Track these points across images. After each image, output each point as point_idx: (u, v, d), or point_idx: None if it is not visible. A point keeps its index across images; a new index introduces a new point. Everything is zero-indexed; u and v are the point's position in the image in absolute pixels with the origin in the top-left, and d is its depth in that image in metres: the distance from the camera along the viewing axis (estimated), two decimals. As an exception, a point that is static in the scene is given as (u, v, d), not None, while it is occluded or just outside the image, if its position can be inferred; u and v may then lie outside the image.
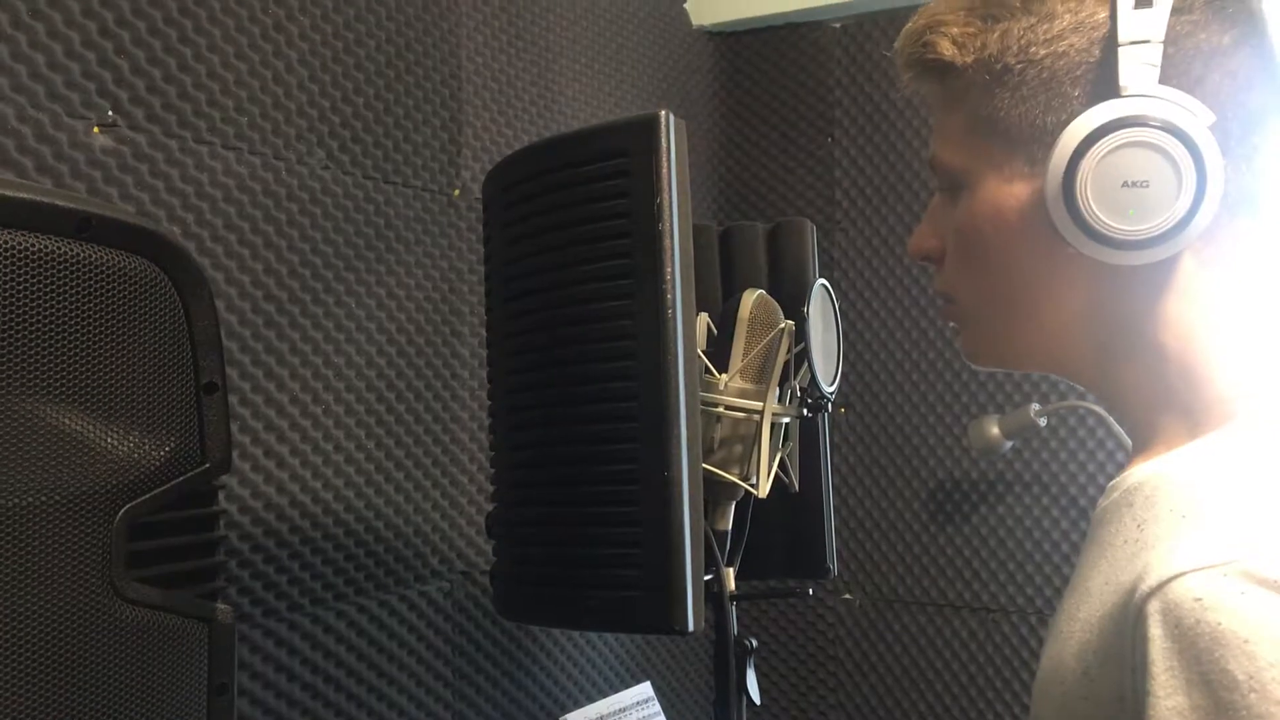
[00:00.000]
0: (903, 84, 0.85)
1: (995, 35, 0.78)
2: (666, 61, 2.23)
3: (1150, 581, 0.64)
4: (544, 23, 1.89)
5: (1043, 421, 2.00)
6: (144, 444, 0.79)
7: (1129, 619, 0.65)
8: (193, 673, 0.83)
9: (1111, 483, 0.78)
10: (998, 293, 0.81)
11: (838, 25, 2.28)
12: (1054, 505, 2.12)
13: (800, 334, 1.17)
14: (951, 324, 0.90)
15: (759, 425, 1.14)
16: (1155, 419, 0.77)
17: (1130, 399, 0.80)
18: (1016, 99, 0.77)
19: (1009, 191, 0.78)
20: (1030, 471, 2.13)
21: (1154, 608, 0.63)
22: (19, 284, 0.72)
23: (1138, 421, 0.80)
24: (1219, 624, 0.60)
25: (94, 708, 0.75)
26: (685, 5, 2.32)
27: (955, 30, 0.79)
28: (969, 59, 0.79)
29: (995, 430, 2.02)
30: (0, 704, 0.70)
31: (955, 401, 2.19)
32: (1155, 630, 0.62)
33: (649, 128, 0.94)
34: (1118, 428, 1.95)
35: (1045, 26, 0.76)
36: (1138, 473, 0.76)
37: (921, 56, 0.81)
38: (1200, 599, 0.61)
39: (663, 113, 0.94)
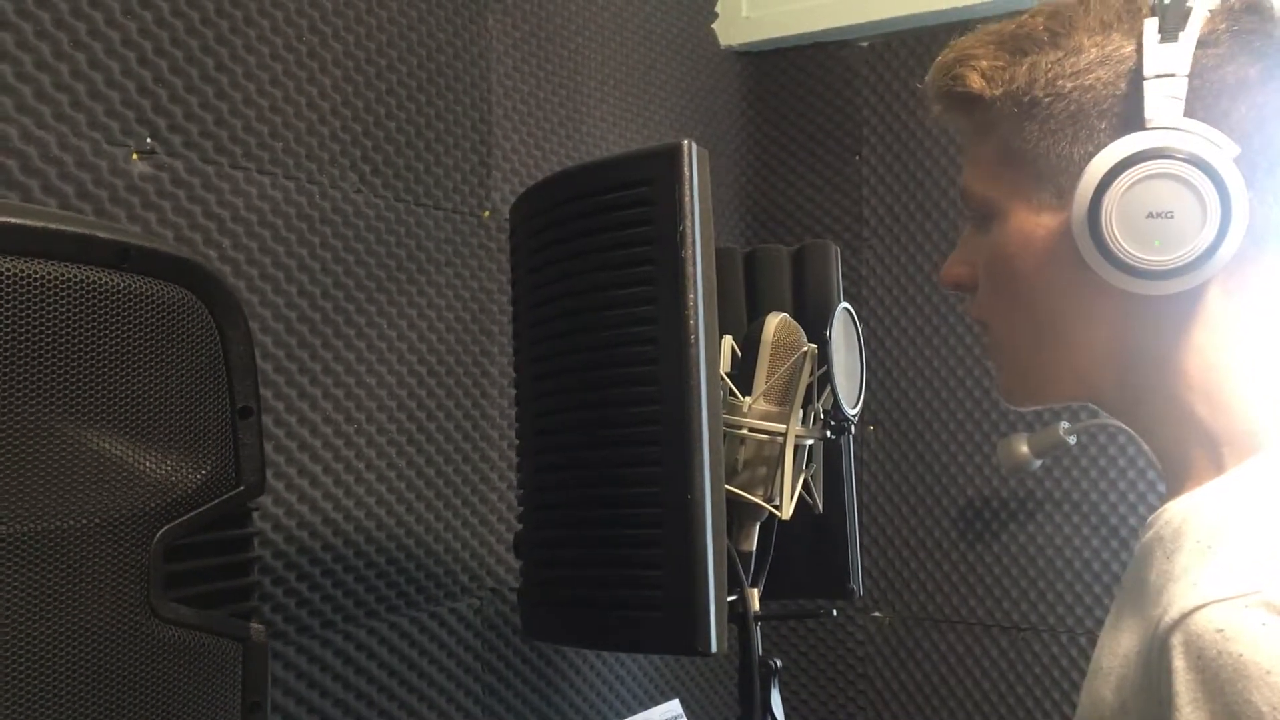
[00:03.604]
0: (933, 115, 0.86)
1: (1023, 68, 0.79)
2: (694, 82, 2.25)
3: (1173, 614, 0.65)
4: (573, 45, 1.91)
5: (1072, 439, 1.99)
6: (181, 467, 0.81)
7: (1155, 651, 0.65)
8: (227, 691, 0.85)
9: (1150, 518, 0.79)
10: (1027, 321, 0.82)
11: (865, 45, 2.29)
12: (1084, 523, 2.11)
13: (823, 357, 1.18)
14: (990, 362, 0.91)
15: (782, 447, 1.15)
16: (1184, 451, 0.78)
17: (1158, 430, 0.80)
18: (1044, 131, 0.78)
19: (1038, 222, 0.79)
20: (1060, 490, 2.12)
21: (1177, 640, 0.64)
22: (62, 314, 0.74)
23: (1168, 453, 0.80)
24: (1240, 655, 0.61)
25: (130, 724, 0.77)
26: (713, 26, 2.33)
27: (984, 64, 0.81)
28: (997, 91, 0.80)
29: (1025, 448, 2.02)
30: (41, 720, 0.72)
31: (985, 419, 2.19)
32: (1179, 662, 0.63)
33: (672, 157, 0.96)
34: (1148, 447, 1.94)
35: (1072, 60, 0.77)
36: (1171, 508, 0.77)
37: (951, 89, 0.83)
38: (1222, 630, 0.62)
39: (685, 142, 0.96)
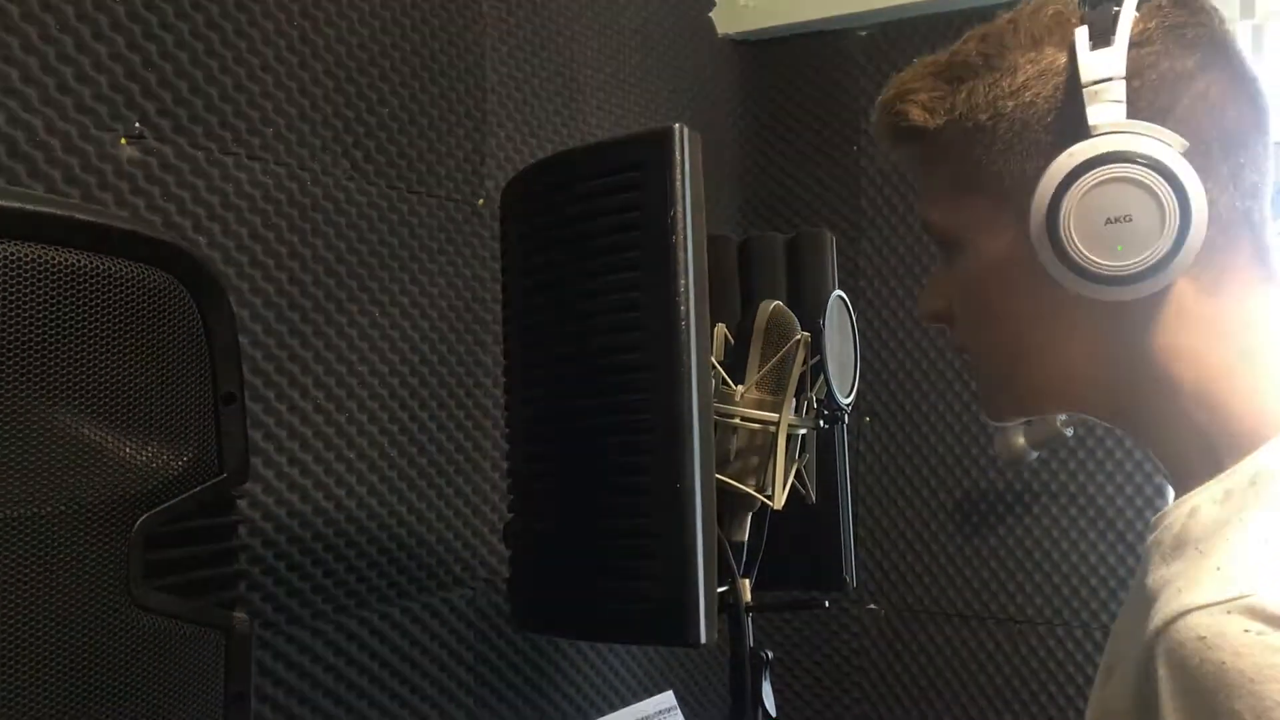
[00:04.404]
0: (884, 152, 0.87)
1: (962, 96, 0.79)
2: (692, 71, 2.23)
3: (1158, 620, 0.64)
4: (569, 32, 1.90)
5: (1069, 432, 1.99)
6: (162, 454, 0.80)
7: (1145, 658, 0.65)
8: (210, 681, 0.84)
9: (1153, 519, 0.78)
10: (1006, 343, 0.82)
11: (863, 34, 2.27)
12: (1081, 516, 2.10)
13: (816, 346, 1.17)
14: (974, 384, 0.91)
15: (775, 436, 1.14)
16: (1183, 452, 0.77)
17: (1155, 434, 0.80)
18: (994, 154, 0.78)
19: (1001, 243, 0.79)
20: (1057, 482, 2.12)
21: (1161, 647, 0.63)
22: (42, 296, 0.73)
23: (1168, 455, 0.80)
24: (1222, 664, 0.60)
25: (110, 714, 0.76)
26: (710, 14, 2.32)
27: (924, 96, 0.81)
28: (940, 121, 0.81)
29: (1021, 440, 2.01)
30: (19, 709, 0.71)
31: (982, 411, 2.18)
32: (1163, 670, 0.62)
33: (663, 141, 0.95)
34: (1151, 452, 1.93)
35: (1009, 80, 0.77)
36: (1173, 510, 0.76)
37: (895, 125, 0.83)
38: (1204, 637, 0.61)
39: (676, 126, 0.95)
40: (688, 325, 0.94)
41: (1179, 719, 0.61)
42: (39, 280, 0.73)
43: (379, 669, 1.52)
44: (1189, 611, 0.62)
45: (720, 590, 1.12)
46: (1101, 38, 0.73)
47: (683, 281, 0.94)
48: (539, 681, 1.77)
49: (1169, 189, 0.70)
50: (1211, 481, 0.73)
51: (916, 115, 0.81)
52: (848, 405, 1.23)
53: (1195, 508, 0.73)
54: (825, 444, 1.36)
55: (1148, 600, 0.71)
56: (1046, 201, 0.73)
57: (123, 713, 0.77)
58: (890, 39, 2.24)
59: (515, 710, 1.73)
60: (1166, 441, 0.79)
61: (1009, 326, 0.81)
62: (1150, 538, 0.77)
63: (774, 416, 1.15)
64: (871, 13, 2.22)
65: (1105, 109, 0.72)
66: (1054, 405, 0.84)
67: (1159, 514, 0.77)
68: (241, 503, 1.34)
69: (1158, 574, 0.72)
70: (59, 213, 0.75)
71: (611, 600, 1.00)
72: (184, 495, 0.81)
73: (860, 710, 2.31)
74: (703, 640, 0.94)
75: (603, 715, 1.75)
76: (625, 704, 1.80)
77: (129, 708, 0.77)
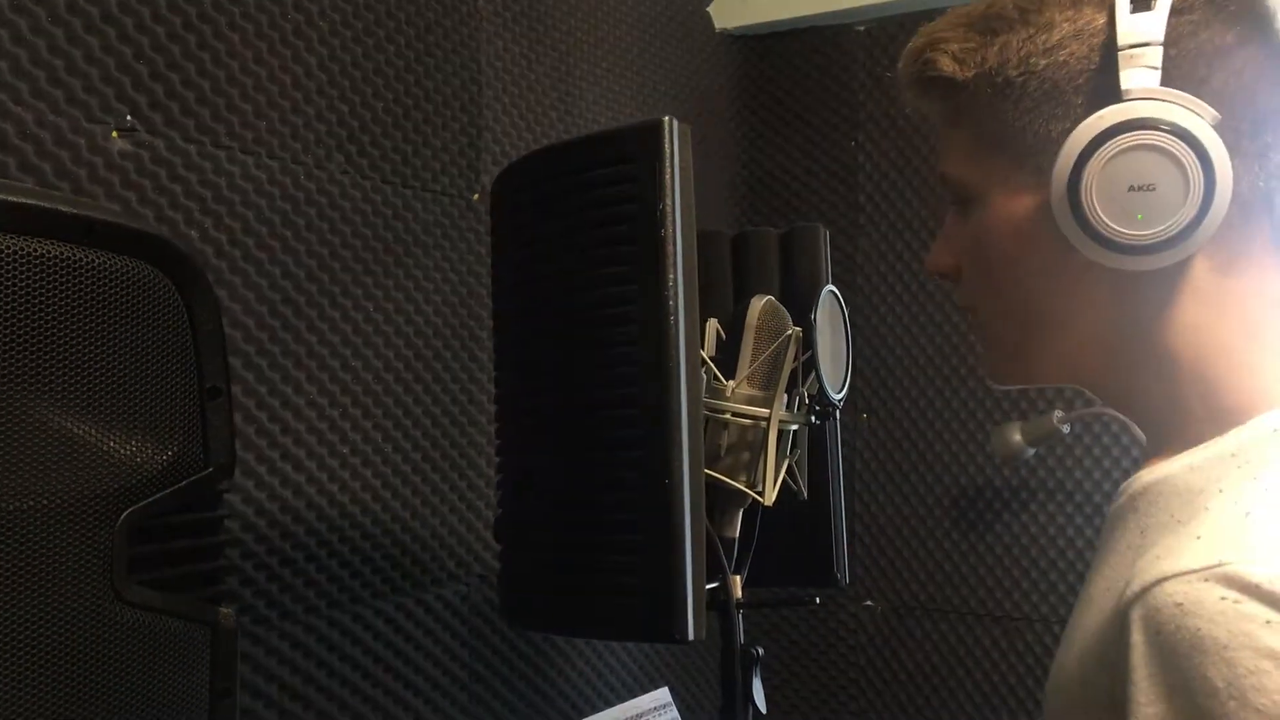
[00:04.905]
0: (907, 103, 0.85)
1: (995, 49, 0.77)
2: (689, 65, 2.23)
3: (1135, 587, 0.64)
4: (565, 26, 1.89)
5: (1066, 428, 1.98)
6: (146, 448, 0.79)
7: (1117, 625, 0.65)
8: (195, 676, 0.84)
9: (1122, 485, 0.78)
10: (1014, 304, 0.81)
11: (862, 29, 2.27)
12: (1078, 513, 2.10)
13: (807, 341, 1.16)
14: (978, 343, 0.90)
15: (766, 432, 1.14)
16: (1168, 423, 0.77)
17: (1144, 405, 0.79)
18: (1020, 110, 0.76)
19: (1019, 203, 0.77)
20: (1054, 479, 2.11)
21: (1137, 614, 0.63)
22: (24, 288, 0.73)
23: (1152, 426, 0.79)
24: (1198, 630, 0.60)
25: (95, 709, 0.76)
26: (708, 8, 2.31)
27: (955, 46, 0.79)
28: (970, 74, 0.79)
29: (1018, 437, 2.00)
30: (1, 705, 0.71)
31: (979, 407, 2.18)
32: (1137, 636, 0.62)
33: (653, 134, 0.94)
34: (1141, 434, 1.93)
35: (1044, 36, 0.75)
36: (1145, 476, 0.75)
37: (923, 74, 0.82)
38: (1180, 604, 0.61)
39: (666, 119, 0.94)
40: (676, 319, 0.94)
41: (1151, 684, 0.61)
42: (21, 272, 0.72)
43: (373, 664, 1.51)
44: (1168, 578, 0.62)
45: (711, 586, 1.11)
46: (1142, 1, 0.72)
47: (672, 275, 0.94)
48: (534, 677, 1.77)
49: (1196, 161, 0.69)
50: (1190, 451, 0.73)
51: (946, 65, 0.79)
52: (839, 401, 1.22)
53: (1171, 477, 0.73)
54: (817, 440, 1.35)
55: (1119, 565, 0.71)
56: (1070, 164, 0.72)
57: (107, 707, 0.77)
58: (889, 34, 2.24)
59: (510, 706, 1.72)
60: (1154, 413, 0.78)
61: (1018, 289, 0.80)
62: (1119, 501, 0.77)
63: (765, 412, 1.15)
64: (870, 8, 2.22)
65: (1139, 74, 0.71)
66: (1053, 370, 0.83)
67: (1129, 480, 0.77)
68: (235, 498, 1.34)
69: (1132, 541, 0.72)
70: (42, 204, 0.75)
71: (599, 596, 1.00)
72: (168, 490, 0.80)
73: (857, 707, 2.31)
74: (690, 636, 0.94)
75: (598, 711, 1.74)
76: (621, 700, 1.80)
77: (113, 702, 0.77)
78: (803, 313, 1.19)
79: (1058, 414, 1.97)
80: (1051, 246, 0.75)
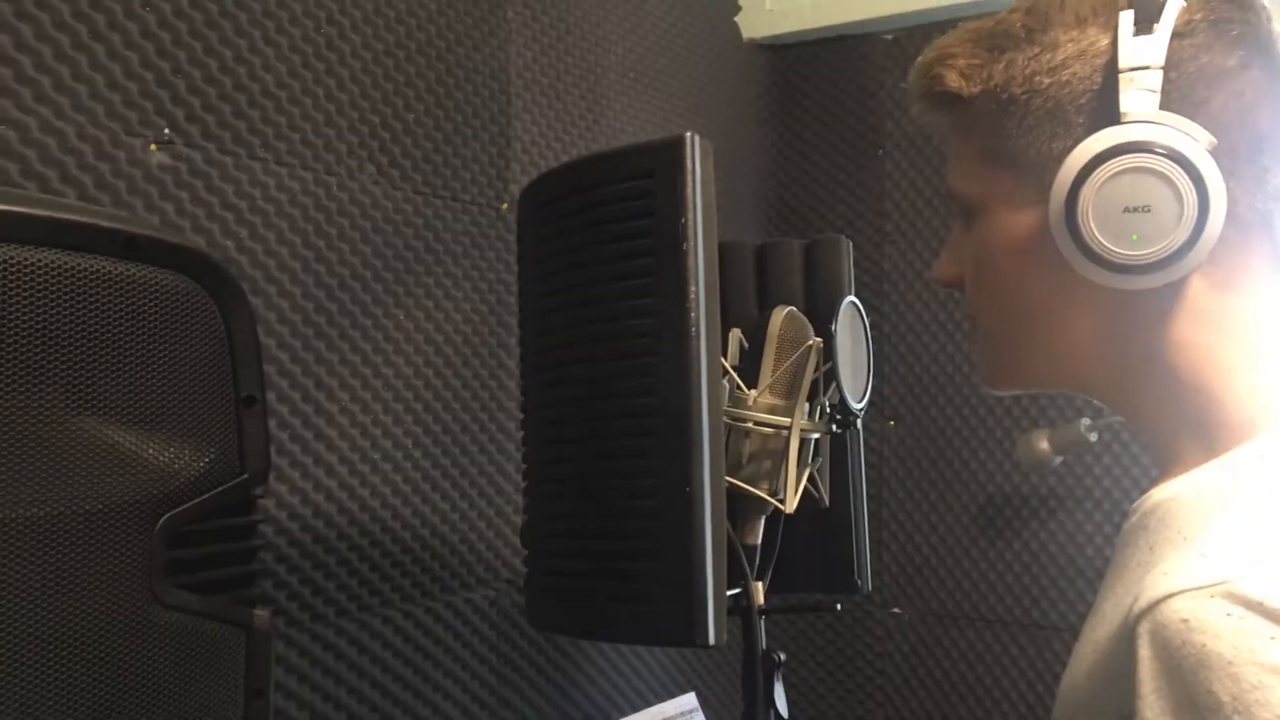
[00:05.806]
0: (916, 115, 0.86)
1: (1001, 66, 0.79)
2: (717, 75, 2.24)
3: (1142, 603, 0.65)
4: (593, 37, 1.91)
5: (1093, 436, 1.98)
6: (184, 455, 0.82)
7: (1125, 640, 0.66)
8: (230, 677, 0.86)
9: (1135, 503, 0.79)
10: (1013, 317, 0.82)
11: (889, 38, 2.28)
12: (1106, 521, 2.09)
13: (828, 351, 1.18)
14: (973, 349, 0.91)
15: (787, 440, 1.15)
16: (1174, 441, 0.78)
17: (1149, 421, 0.80)
18: (1023, 128, 0.78)
19: (1019, 219, 0.79)
20: (1082, 487, 2.11)
21: (1144, 629, 0.64)
22: (68, 302, 0.75)
23: (1159, 443, 0.80)
24: (1204, 646, 0.61)
25: (133, 708, 0.78)
26: (736, 19, 2.33)
27: (962, 62, 0.81)
28: (976, 90, 0.80)
29: (1045, 445, 2.00)
30: (42, 704, 0.73)
31: (1006, 416, 2.18)
32: (1145, 651, 0.63)
33: (674, 150, 0.96)
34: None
35: (1049, 56, 0.77)
36: (1156, 495, 0.76)
37: (930, 89, 0.83)
38: (1187, 620, 0.62)
39: (688, 134, 0.96)
40: (698, 331, 0.95)
41: (1158, 699, 0.62)
42: (64, 286, 0.75)
43: (403, 667, 1.54)
44: (1174, 595, 0.63)
45: (733, 593, 1.13)
46: (1145, 24, 0.73)
47: (693, 288, 0.95)
48: (561, 681, 1.79)
49: (1190, 184, 0.70)
50: (1196, 469, 0.74)
51: (953, 81, 0.81)
52: (860, 410, 1.24)
53: (1181, 492, 0.74)
54: (838, 448, 1.36)
55: (1129, 582, 0.72)
56: (1068, 184, 0.73)
57: (145, 707, 0.79)
58: (916, 43, 2.24)
59: (538, 709, 1.74)
60: (1160, 430, 0.79)
61: (1017, 301, 0.81)
62: (1131, 520, 0.78)
63: (786, 421, 1.16)
64: (897, 16, 2.22)
65: (1139, 97, 0.72)
66: (1054, 383, 0.85)
67: (1140, 499, 0.78)
68: (268, 503, 1.37)
69: (1142, 558, 0.73)
70: (84, 220, 0.77)
71: (621, 601, 1.02)
72: (206, 495, 0.82)
73: (885, 713, 2.31)
74: (711, 641, 0.95)
75: (625, 716, 1.76)
76: (648, 705, 1.82)
77: (150, 702, 0.79)
78: (825, 323, 1.20)
79: (1085, 422, 1.97)
80: (1048, 261, 0.76)
